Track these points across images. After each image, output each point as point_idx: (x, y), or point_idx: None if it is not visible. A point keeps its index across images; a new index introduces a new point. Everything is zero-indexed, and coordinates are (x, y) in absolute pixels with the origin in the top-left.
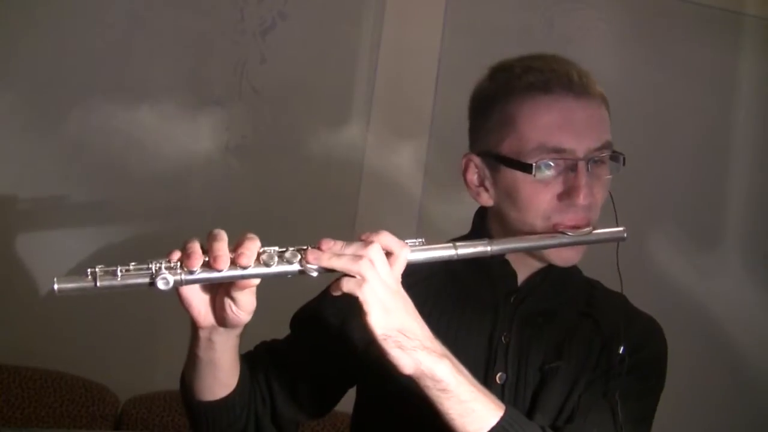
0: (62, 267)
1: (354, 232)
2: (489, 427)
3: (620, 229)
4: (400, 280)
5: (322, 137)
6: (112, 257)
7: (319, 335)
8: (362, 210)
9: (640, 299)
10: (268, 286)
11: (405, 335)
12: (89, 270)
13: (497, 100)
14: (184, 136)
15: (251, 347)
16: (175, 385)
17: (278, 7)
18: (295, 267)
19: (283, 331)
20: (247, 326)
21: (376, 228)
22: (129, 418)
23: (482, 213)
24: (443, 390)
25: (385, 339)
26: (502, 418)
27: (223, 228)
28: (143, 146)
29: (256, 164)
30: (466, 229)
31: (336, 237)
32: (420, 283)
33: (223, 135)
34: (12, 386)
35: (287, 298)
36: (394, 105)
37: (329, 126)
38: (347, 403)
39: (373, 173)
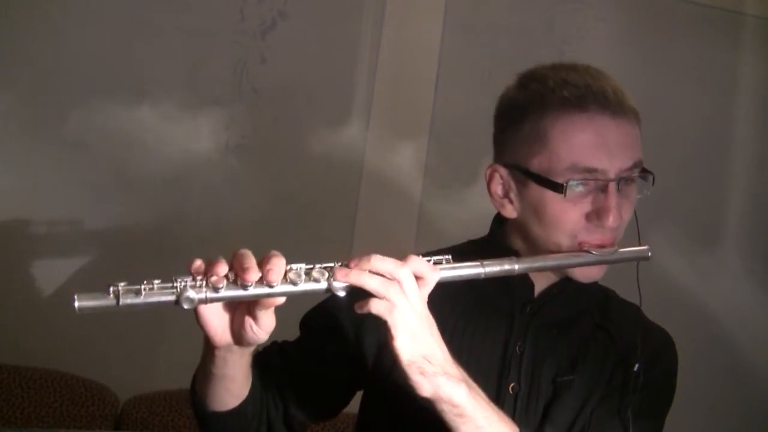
0: (62, 266)
1: (354, 232)
2: None
3: (644, 248)
4: (426, 300)
5: (322, 137)
6: (113, 256)
7: (332, 339)
8: (362, 210)
9: (639, 299)
10: None
11: (428, 361)
12: (111, 288)
13: (529, 112)
14: (184, 136)
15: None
16: (175, 384)
17: (278, 7)
18: (323, 285)
19: (290, 326)
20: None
21: (376, 227)
22: (129, 418)
23: (500, 218)
24: (460, 415)
25: (409, 365)
26: None
27: (223, 228)
28: (143, 146)
29: (256, 164)
30: (466, 229)
31: (336, 236)
32: (437, 288)
33: (223, 135)
34: (12, 386)
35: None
36: (394, 105)
37: (329, 126)
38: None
39: (373, 173)
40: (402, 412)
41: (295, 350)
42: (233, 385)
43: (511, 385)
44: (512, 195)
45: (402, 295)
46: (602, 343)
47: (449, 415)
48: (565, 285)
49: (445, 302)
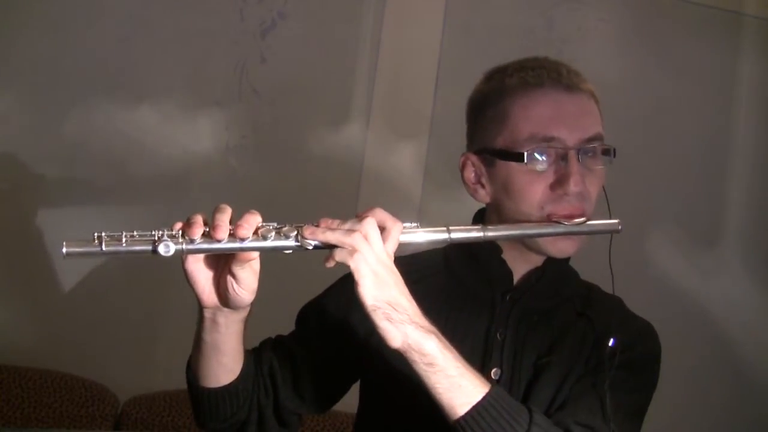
0: (61, 266)
1: None
2: (475, 402)
3: (615, 221)
4: (393, 257)
5: (322, 137)
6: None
7: (322, 330)
8: (362, 210)
9: (639, 299)
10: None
11: (394, 308)
12: (96, 234)
13: (491, 98)
14: (184, 136)
15: (257, 344)
16: (174, 384)
17: (278, 7)
18: (292, 242)
19: (288, 329)
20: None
21: None
22: (129, 418)
23: (482, 213)
24: (430, 364)
25: (374, 310)
26: (488, 394)
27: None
28: (143, 146)
29: (256, 164)
30: None
31: None
32: (418, 281)
33: (223, 135)
34: (12, 386)
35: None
36: (394, 105)
37: (329, 126)
38: (348, 402)
39: (373, 173)
40: (395, 401)
41: (289, 342)
42: (225, 358)
43: (493, 370)
44: (483, 179)
45: (365, 242)
46: (582, 328)
47: (420, 365)
48: (544, 271)
49: (428, 295)
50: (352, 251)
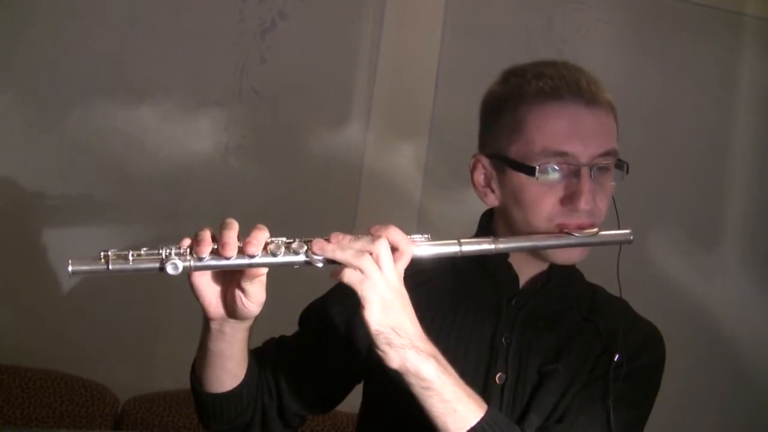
0: (61, 267)
1: (353, 233)
2: (469, 427)
3: (626, 231)
4: (402, 275)
5: (322, 137)
6: None
7: (325, 332)
8: (362, 210)
9: (639, 299)
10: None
11: (396, 333)
12: (102, 253)
13: (508, 103)
14: (184, 136)
15: (260, 343)
16: (174, 384)
17: (278, 7)
18: (301, 257)
19: (291, 330)
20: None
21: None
22: (129, 418)
23: (489, 215)
24: (427, 388)
25: (377, 334)
26: (483, 419)
27: None
28: (143, 146)
29: (255, 164)
30: (466, 229)
31: None
32: (426, 283)
33: (223, 135)
34: (12, 386)
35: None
36: (394, 105)
37: (329, 126)
38: (349, 402)
39: (372, 173)
40: (396, 404)
41: (292, 343)
42: (230, 364)
43: (498, 375)
44: (494, 184)
45: (374, 266)
46: (588, 335)
47: (417, 388)
48: (550, 276)
49: (434, 298)
50: (362, 277)
